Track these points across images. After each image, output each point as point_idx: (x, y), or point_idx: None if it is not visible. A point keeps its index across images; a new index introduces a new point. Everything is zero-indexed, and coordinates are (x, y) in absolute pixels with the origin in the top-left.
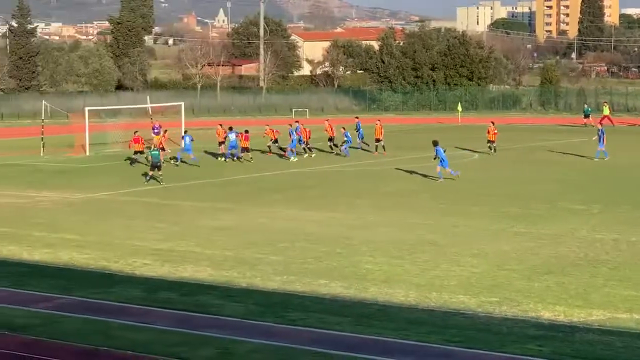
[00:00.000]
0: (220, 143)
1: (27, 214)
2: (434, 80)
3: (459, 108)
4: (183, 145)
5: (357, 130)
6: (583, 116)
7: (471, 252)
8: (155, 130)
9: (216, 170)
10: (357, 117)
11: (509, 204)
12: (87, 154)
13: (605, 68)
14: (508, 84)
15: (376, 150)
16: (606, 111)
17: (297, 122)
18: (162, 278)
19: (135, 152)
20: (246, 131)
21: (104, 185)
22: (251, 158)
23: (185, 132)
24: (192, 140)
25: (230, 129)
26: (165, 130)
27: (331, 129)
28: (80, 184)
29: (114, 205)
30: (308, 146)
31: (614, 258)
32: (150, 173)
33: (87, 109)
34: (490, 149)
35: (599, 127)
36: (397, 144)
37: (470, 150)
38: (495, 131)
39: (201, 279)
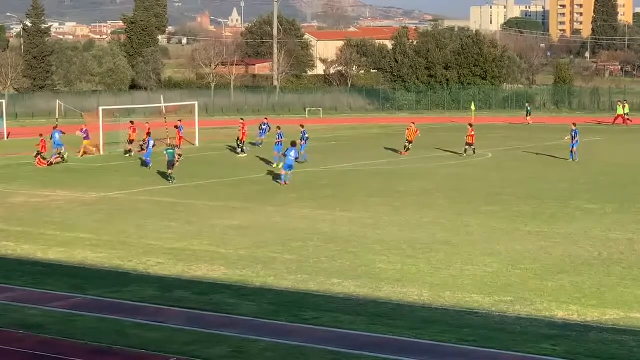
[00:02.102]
0: (131, 141)
1: (42, 213)
2: (447, 80)
3: (472, 107)
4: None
5: (261, 128)
6: (526, 115)
7: (485, 251)
8: (84, 135)
9: (230, 170)
10: (266, 118)
11: (522, 203)
12: (101, 153)
13: (619, 67)
14: (522, 83)
15: (405, 150)
16: (620, 110)
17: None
18: (176, 277)
19: (38, 153)
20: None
21: (117, 184)
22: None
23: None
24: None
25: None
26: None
27: (244, 128)
28: (94, 183)
29: (128, 205)
30: (242, 146)
31: (628, 257)
32: (169, 172)
33: (101, 108)
34: (466, 152)
35: (573, 127)
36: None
37: (452, 152)
38: (472, 133)
39: (215, 278)
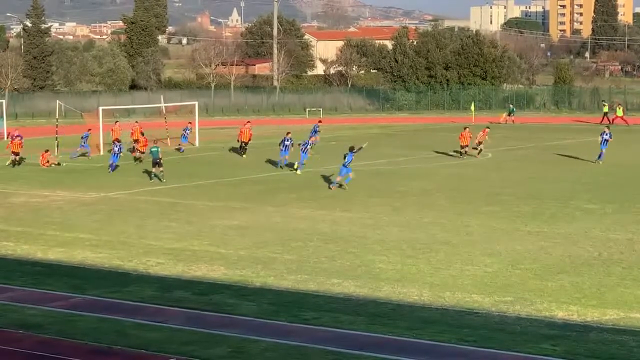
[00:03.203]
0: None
1: (41, 213)
2: (447, 80)
3: (472, 108)
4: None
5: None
6: (507, 114)
7: (485, 251)
8: (17, 139)
9: (230, 170)
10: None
11: (522, 203)
12: (101, 153)
13: (619, 67)
14: (522, 83)
15: (463, 154)
16: (619, 112)
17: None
18: (176, 277)
19: (15, 153)
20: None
21: (117, 184)
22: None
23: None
24: None
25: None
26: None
27: (243, 132)
28: (94, 183)
29: (128, 205)
30: (245, 147)
31: (628, 257)
32: (153, 170)
33: (101, 108)
34: (461, 154)
35: (606, 130)
36: (410, 143)
37: (449, 154)
38: (470, 136)
39: (215, 278)
